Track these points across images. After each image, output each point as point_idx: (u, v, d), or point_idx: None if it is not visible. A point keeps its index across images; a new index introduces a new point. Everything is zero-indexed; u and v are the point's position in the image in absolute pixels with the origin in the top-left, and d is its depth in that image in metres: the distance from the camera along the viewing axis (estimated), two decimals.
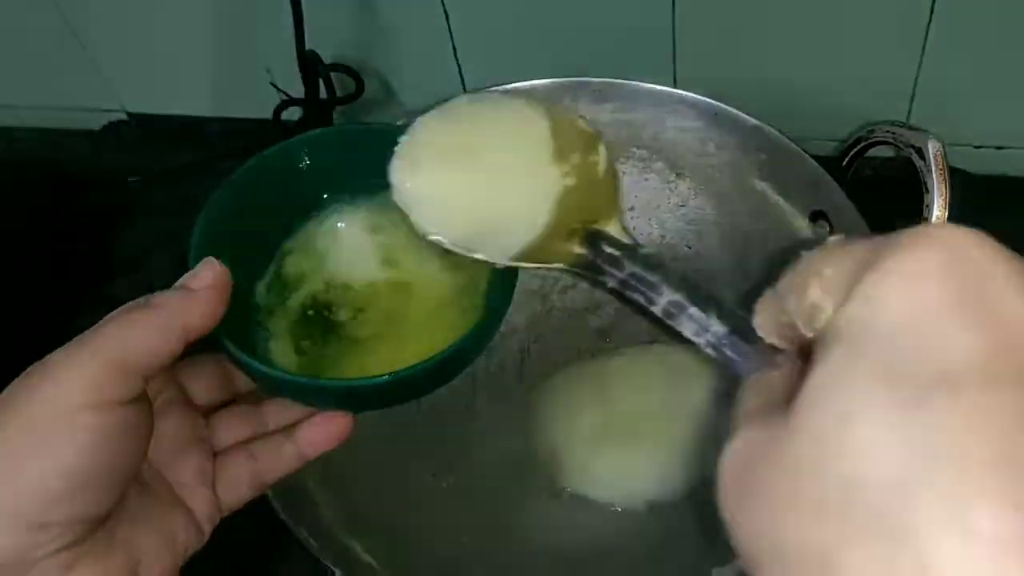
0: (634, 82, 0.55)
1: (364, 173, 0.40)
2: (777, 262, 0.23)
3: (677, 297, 0.30)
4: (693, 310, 0.29)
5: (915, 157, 0.46)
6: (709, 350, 0.28)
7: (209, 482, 0.36)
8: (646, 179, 0.57)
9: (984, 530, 0.17)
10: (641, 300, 0.31)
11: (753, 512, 0.21)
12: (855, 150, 0.49)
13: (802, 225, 0.52)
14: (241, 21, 0.72)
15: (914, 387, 0.19)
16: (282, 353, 0.40)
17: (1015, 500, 0.17)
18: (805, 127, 0.54)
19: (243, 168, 0.39)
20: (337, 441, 0.38)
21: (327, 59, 0.71)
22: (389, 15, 0.70)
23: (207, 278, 0.34)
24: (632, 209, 0.58)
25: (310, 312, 0.41)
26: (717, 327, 0.28)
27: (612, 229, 0.34)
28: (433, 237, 0.35)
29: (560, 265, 0.34)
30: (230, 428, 0.38)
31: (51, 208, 0.76)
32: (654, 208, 0.57)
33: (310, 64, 0.71)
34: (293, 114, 0.76)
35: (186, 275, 0.35)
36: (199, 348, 0.36)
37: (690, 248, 0.57)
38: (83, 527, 0.31)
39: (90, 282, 0.73)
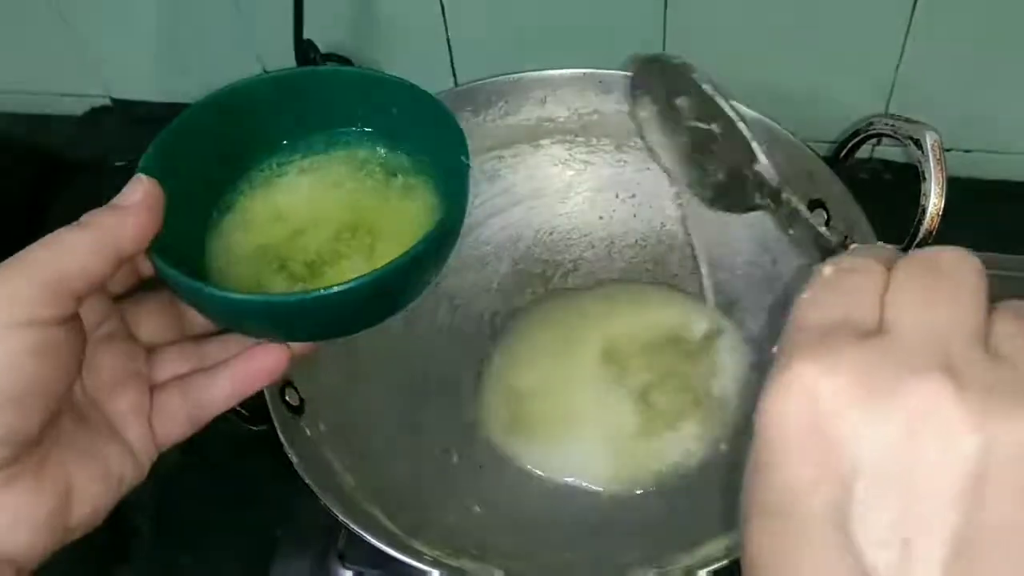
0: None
1: (335, 117, 0.40)
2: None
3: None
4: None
5: (913, 148, 0.48)
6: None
7: (145, 416, 0.36)
8: (648, 169, 0.59)
9: None
10: None
11: None
12: (853, 142, 0.52)
13: None
14: (231, 8, 0.73)
15: None
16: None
17: None
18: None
19: (205, 99, 0.38)
20: (270, 376, 0.37)
21: (321, 48, 0.72)
22: (385, 5, 0.71)
23: (136, 194, 0.34)
24: (634, 197, 0.60)
25: (265, 256, 0.39)
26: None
27: None
28: None
29: None
30: (169, 363, 0.38)
31: (35, 192, 0.75)
32: (655, 196, 0.60)
33: (306, 53, 0.72)
34: None
35: (118, 194, 0.34)
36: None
37: (689, 235, 0.59)
38: (13, 447, 0.31)
39: None
